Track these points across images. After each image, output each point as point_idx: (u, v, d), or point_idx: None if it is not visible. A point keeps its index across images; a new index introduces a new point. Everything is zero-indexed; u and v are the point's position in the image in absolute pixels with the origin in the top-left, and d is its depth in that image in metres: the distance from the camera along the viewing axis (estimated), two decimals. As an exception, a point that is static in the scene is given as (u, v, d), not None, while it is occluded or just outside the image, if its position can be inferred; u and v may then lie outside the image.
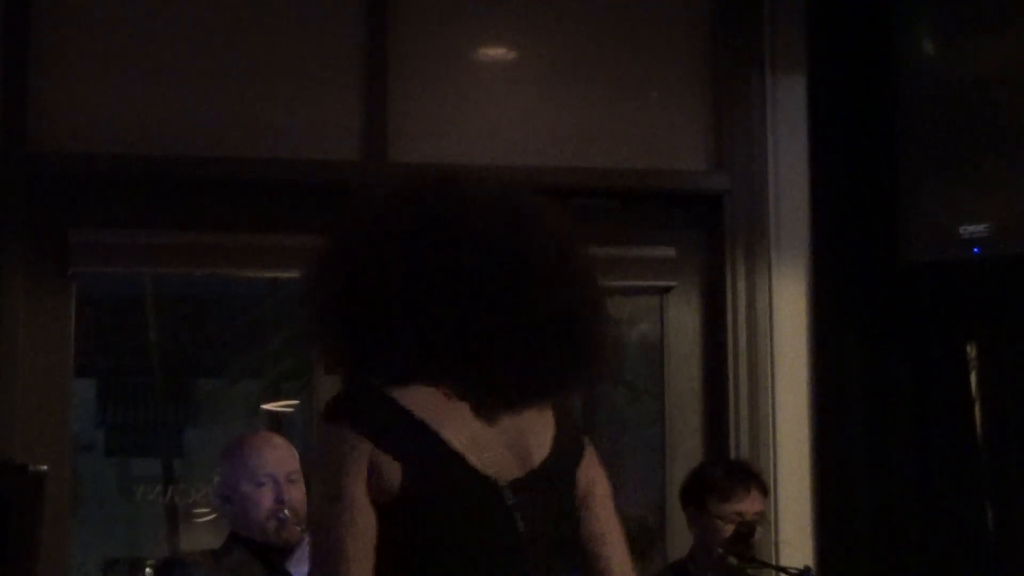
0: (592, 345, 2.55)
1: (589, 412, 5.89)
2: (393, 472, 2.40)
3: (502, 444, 2.49)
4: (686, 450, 5.47)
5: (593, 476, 2.62)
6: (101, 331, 5.63)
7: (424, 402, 2.45)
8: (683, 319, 5.56)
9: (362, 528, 2.39)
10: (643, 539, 5.46)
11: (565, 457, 2.56)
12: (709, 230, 5.54)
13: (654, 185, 5.53)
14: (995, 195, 5.03)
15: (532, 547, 2.47)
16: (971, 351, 5.40)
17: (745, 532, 4.53)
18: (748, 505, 4.58)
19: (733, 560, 4.53)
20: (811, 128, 5.47)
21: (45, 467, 4.68)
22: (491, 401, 2.48)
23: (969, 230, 5.05)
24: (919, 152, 5.19)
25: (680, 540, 5.20)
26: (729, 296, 5.44)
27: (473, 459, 2.45)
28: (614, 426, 5.87)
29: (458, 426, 2.45)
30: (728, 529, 4.55)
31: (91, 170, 5.21)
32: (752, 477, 4.67)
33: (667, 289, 5.55)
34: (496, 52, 5.54)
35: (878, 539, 5.29)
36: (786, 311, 5.43)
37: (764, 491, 4.69)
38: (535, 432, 2.53)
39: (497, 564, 2.46)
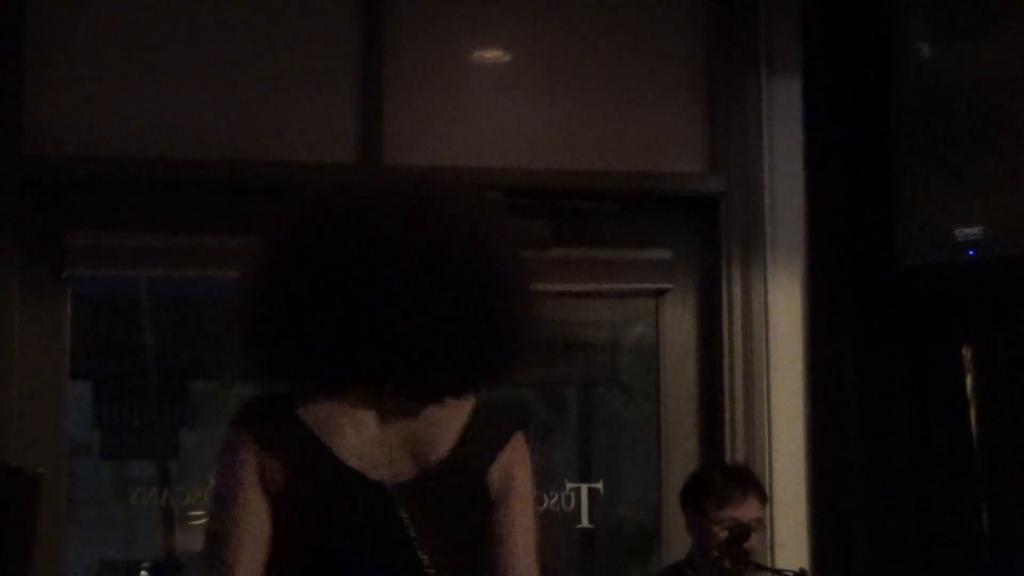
0: (504, 342, 2.54)
1: (584, 414, 5.89)
2: (277, 476, 2.46)
3: (397, 444, 2.50)
4: (682, 453, 5.48)
5: (513, 474, 2.58)
6: (97, 333, 5.61)
7: (320, 406, 2.49)
8: (679, 322, 5.56)
9: (252, 522, 2.45)
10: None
11: (473, 453, 2.54)
12: (705, 233, 5.54)
13: (650, 188, 5.53)
14: (990, 197, 5.03)
15: (426, 549, 2.47)
16: (966, 354, 5.40)
17: (740, 535, 4.53)
18: (745, 511, 4.58)
19: (728, 563, 4.53)
20: (807, 130, 5.47)
21: (41, 470, 4.69)
22: (388, 402, 2.50)
23: (964, 232, 5.05)
24: (915, 154, 5.18)
25: (677, 543, 5.20)
26: (725, 299, 5.44)
27: (357, 462, 2.47)
28: (609, 428, 5.87)
29: (347, 429, 2.48)
30: (724, 534, 4.55)
31: (87, 172, 5.21)
32: (751, 483, 4.66)
33: (663, 292, 5.55)
34: (491, 55, 5.54)
35: (874, 541, 5.29)
36: (782, 313, 5.43)
37: (763, 498, 4.68)
38: (437, 428, 2.53)
39: (385, 567, 2.47)
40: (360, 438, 2.49)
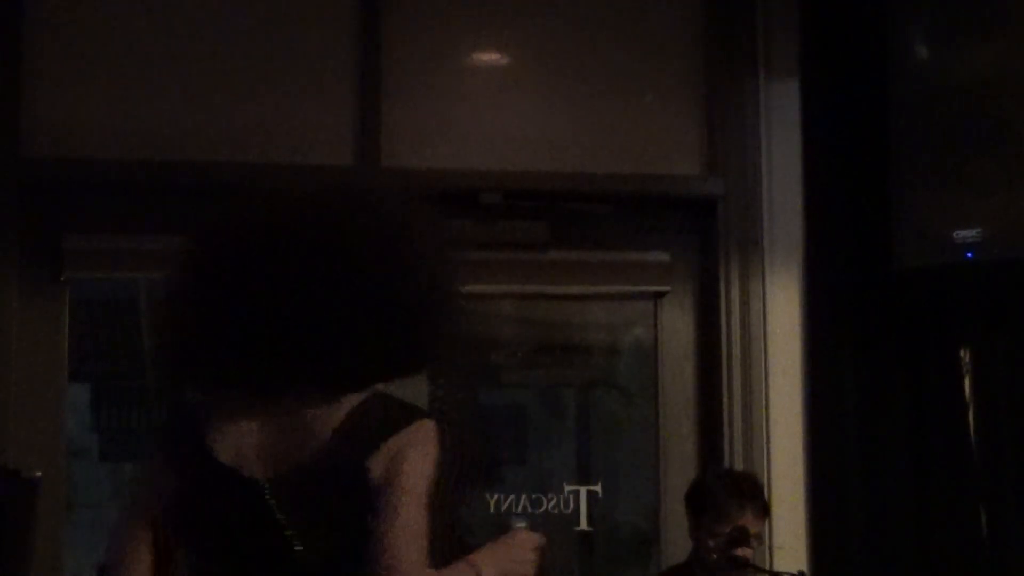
0: (378, 340, 2.53)
1: (583, 416, 5.89)
2: (168, 481, 2.55)
3: (274, 439, 2.52)
4: (680, 455, 5.47)
5: (398, 467, 2.50)
6: (95, 336, 5.62)
7: (209, 407, 2.55)
8: (677, 324, 5.56)
9: (135, 531, 2.56)
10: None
11: (352, 445, 2.51)
12: (703, 235, 5.54)
13: (648, 190, 5.53)
14: (988, 199, 5.03)
15: (303, 544, 2.47)
16: (965, 356, 5.40)
17: (738, 537, 4.52)
18: (745, 524, 4.56)
19: (727, 566, 4.53)
20: (804, 133, 5.47)
21: (38, 472, 4.68)
22: (268, 398, 2.53)
23: (962, 234, 5.05)
24: (912, 156, 5.19)
25: (675, 545, 5.20)
26: (723, 301, 5.44)
27: (232, 459, 2.51)
28: (608, 431, 5.87)
29: (227, 427, 2.53)
30: (731, 550, 4.52)
31: (85, 175, 5.20)
32: (749, 497, 4.63)
33: (661, 294, 5.55)
34: (489, 57, 5.54)
35: (872, 543, 5.29)
36: (780, 316, 5.43)
37: (763, 511, 4.65)
38: (314, 421, 2.52)
39: (262, 564, 2.49)
40: (237, 435, 2.53)
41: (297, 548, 2.47)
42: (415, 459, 2.50)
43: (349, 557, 2.47)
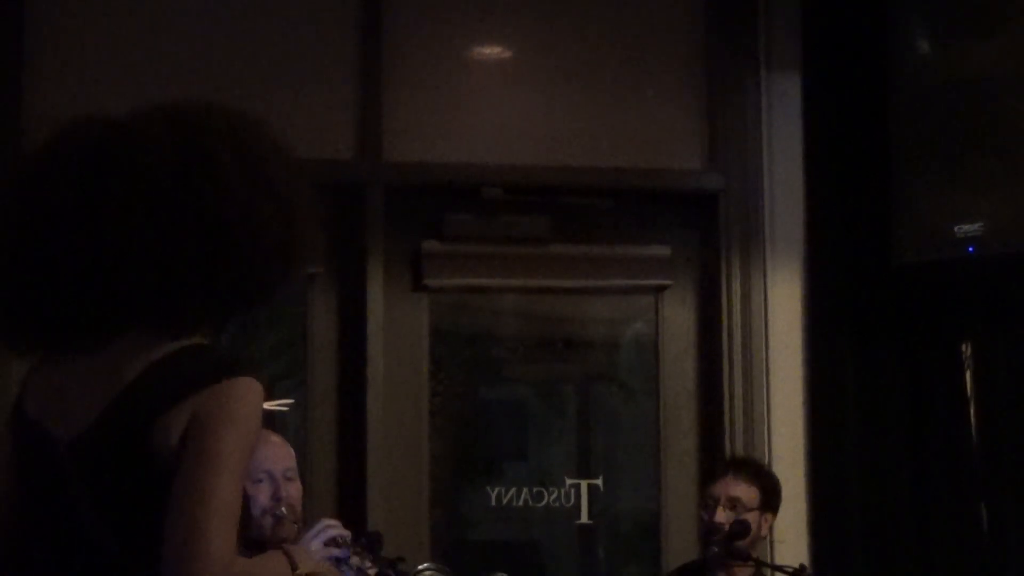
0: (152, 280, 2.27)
1: (583, 411, 5.90)
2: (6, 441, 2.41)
3: (75, 395, 2.31)
4: (681, 449, 5.48)
5: (195, 435, 2.21)
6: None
7: (34, 369, 2.41)
8: (678, 318, 5.56)
9: None
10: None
11: (136, 408, 2.25)
12: (704, 229, 5.54)
13: (649, 184, 5.54)
14: (989, 194, 5.04)
15: (96, 514, 2.25)
16: (966, 350, 5.41)
17: (740, 532, 4.54)
18: (721, 488, 4.60)
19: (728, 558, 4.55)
20: (806, 127, 5.48)
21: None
22: (68, 352, 2.34)
23: (964, 229, 5.05)
24: (913, 151, 5.19)
25: (676, 538, 5.22)
26: (724, 295, 5.44)
27: (38, 416, 2.34)
28: (609, 425, 5.88)
29: (39, 382, 2.37)
30: (708, 515, 4.57)
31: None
32: (735, 463, 4.72)
33: (662, 288, 5.55)
34: (490, 51, 5.54)
35: (872, 538, 5.30)
36: (781, 310, 5.43)
37: (747, 477, 4.66)
38: (105, 378, 2.29)
39: (54, 530, 2.31)
40: (43, 391, 2.35)
41: (89, 521, 2.25)
42: (216, 427, 2.20)
43: (146, 535, 2.21)
